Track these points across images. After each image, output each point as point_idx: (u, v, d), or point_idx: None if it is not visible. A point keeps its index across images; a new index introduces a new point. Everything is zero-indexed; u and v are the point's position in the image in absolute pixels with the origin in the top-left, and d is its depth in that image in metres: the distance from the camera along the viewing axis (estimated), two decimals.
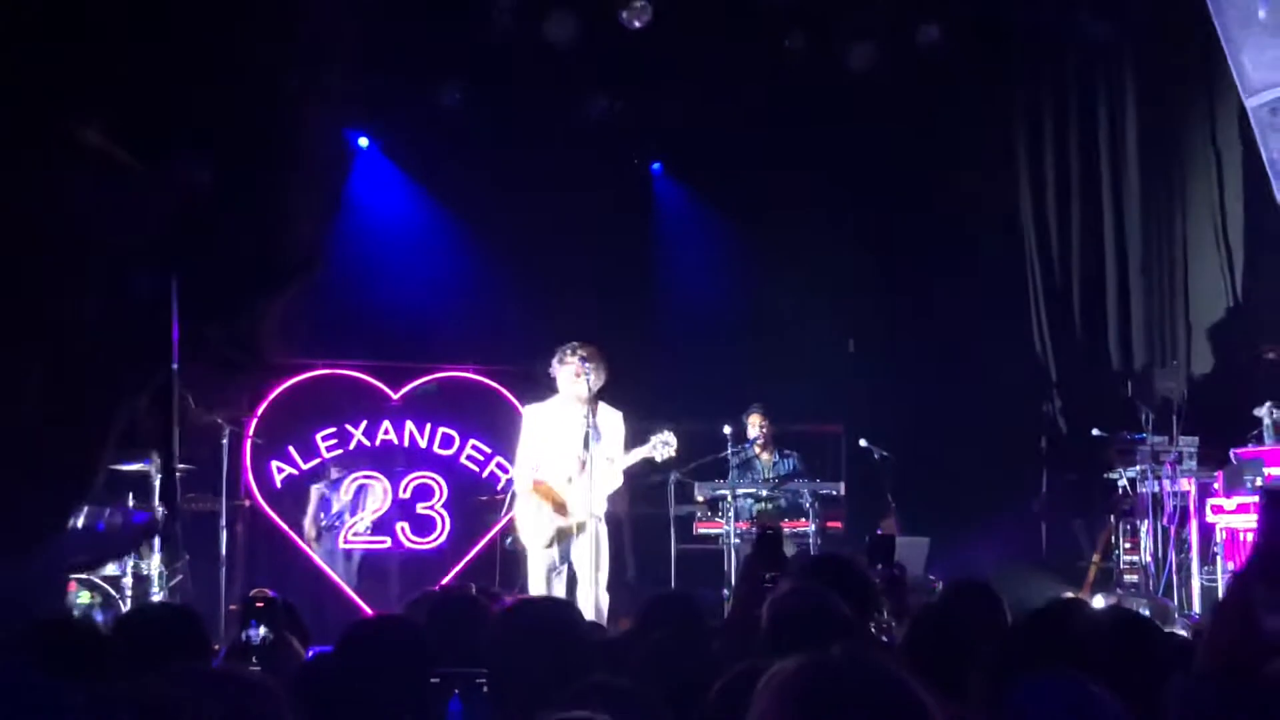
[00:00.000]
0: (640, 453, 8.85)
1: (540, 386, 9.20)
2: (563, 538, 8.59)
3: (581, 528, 8.54)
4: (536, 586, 8.70)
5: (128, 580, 9.33)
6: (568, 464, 8.52)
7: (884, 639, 4.22)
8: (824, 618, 3.28)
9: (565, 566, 8.65)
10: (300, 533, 11.75)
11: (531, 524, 8.76)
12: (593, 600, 8.49)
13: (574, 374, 8.59)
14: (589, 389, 8.60)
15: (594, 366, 8.62)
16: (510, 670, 3.10)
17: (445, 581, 11.13)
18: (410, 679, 3.13)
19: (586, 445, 8.49)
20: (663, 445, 8.89)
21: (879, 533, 10.55)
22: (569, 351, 8.65)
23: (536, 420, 8.89)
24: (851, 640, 2.41)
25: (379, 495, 11.91)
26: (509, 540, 9.18)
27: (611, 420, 8.76)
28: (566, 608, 4.12)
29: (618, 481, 8.83)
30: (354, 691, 3.07)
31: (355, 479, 11.90)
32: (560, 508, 8.57)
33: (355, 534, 11.80)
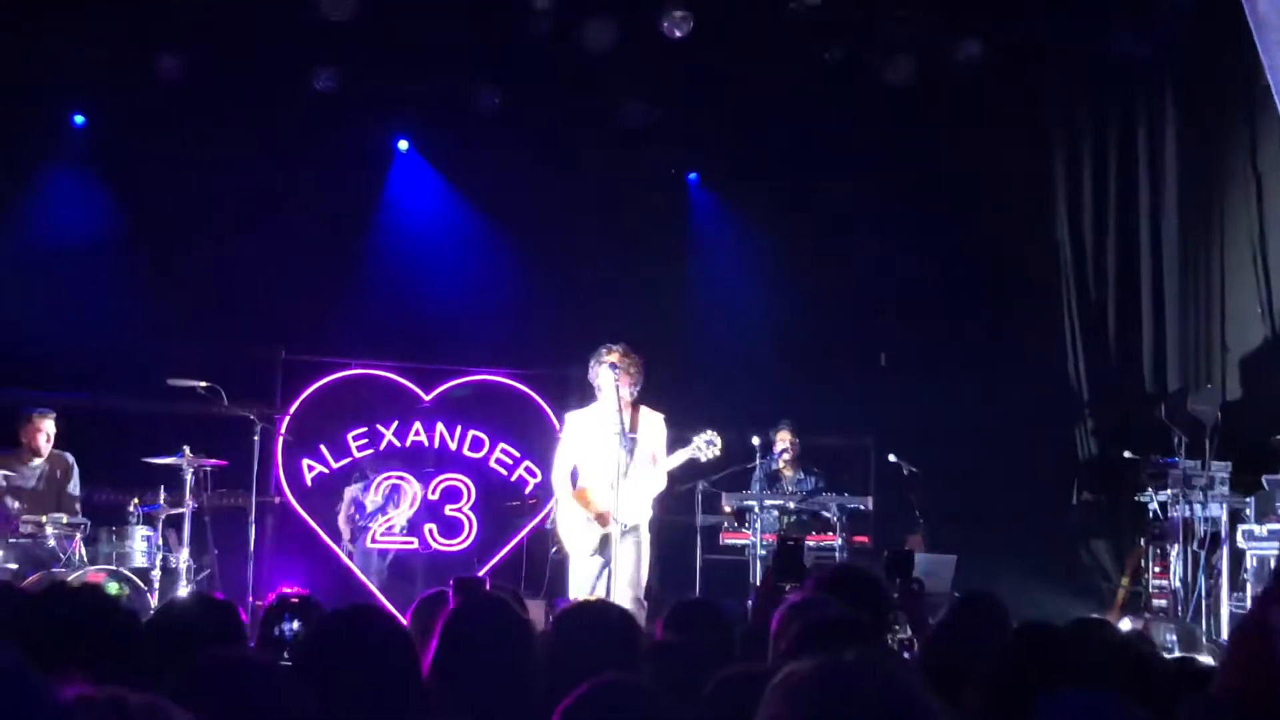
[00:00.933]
0: (684, 454, 8.74)
1: (570, 391, 9.22)
2: (605, 545, 8.48)
3: (625, 534, 8.43)
4: (578, 594, 8.61)
5: (156, 573, 9.41)
6: (610, 469, 8.44)
7: (903, 653, 4.21)
8: (836, 627, 3.28)
9: (605, 573, 8.54)
10: (330, 531, 11.83)
11: (575, 531, 8.70)
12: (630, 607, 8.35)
13: (612, 373, 8.53)
14: (630, 386, 8.54)
15: (631, 363, 8.58)
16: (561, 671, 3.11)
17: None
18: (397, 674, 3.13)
19: (630, 451, 8.42)
20: (707, 445, 8.79)
21: (901, 548, 10.56)
22: (605, 351, 8.62)
23: (578, 427, 8.82)
24: (865, 647, 2.42)
25: (409, 496, 11.98)
26: (555, 550, 9.13)
27: (653, 422, 8.70)
28: (619, 610, 4.11)
29: (662, 484, 8.73)
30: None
31: (387, 479, 11.96)
32: (601, 516, 8.48)
33: (384, 534, 11.86)
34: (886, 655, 3.24)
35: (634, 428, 8.54)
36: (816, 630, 3.26)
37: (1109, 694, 2.40)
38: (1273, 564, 9.50)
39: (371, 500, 11.84)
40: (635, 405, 8.64)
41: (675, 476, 9.35)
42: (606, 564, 8.38)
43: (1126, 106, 12.69)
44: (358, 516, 11.80)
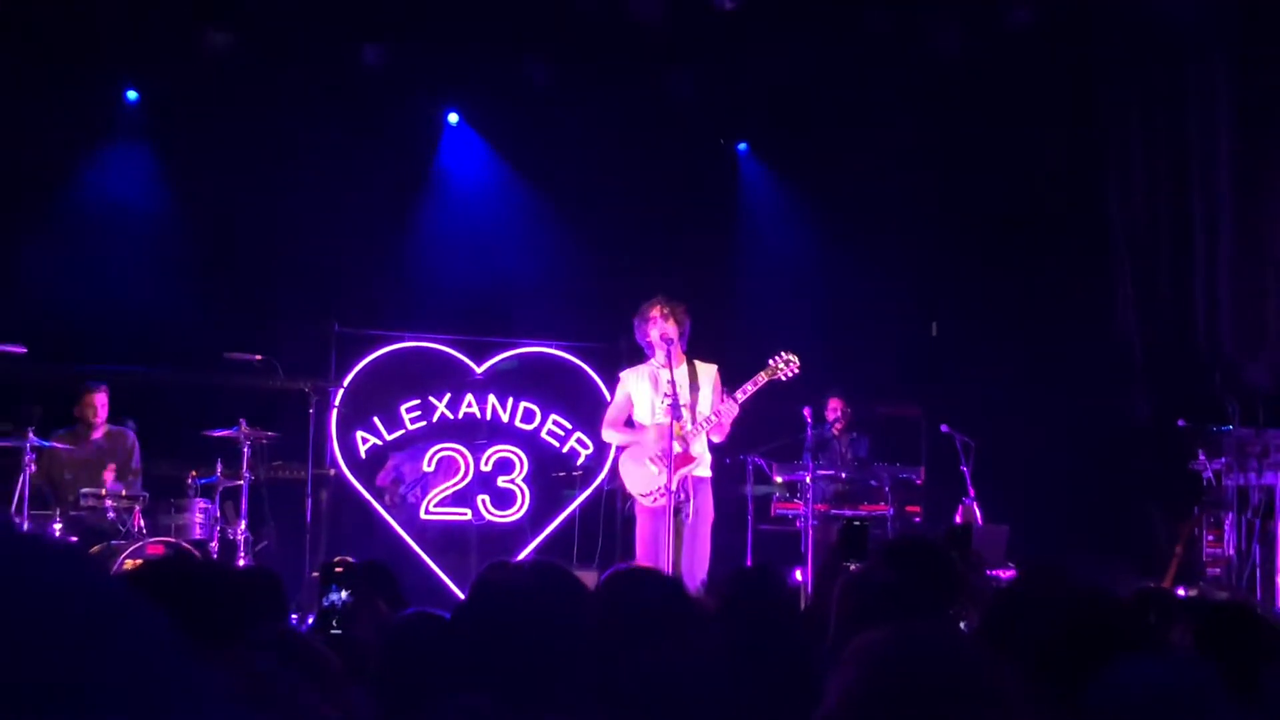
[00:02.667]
0: (761, 378, 8.76)
1: (621, 363, 9.26)
2: (673, 494, 8.43)
3: (697, 483, 8.47)
4: (644, 546, 8.65)
5: (214, 545, 9.52)
6: (668, 423, 8.48)
7: (961, 624, 4.21)
8: (898, 598, 3.30)
9: (671, 537, 8.47)
10: (380, 499, 11.93)
11: (640, 479, 8.71)
12: (694, 575, 8.34)
13: (660, 320, 8.56)
14: (678, 327, 8.58)
15: (678, 309, 8.63)
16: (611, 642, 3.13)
17: (523, 555, 11.25)
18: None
19: (687, 399, 8.46)
20: (784, 364, 8.82)
21: (957, 521, 10.54)
22: (646, 306, 8.67)
23: (631, 383, 8.88)
24: (931, 618, 2.44)
25: (459, 467, 12.06)
26: (627, 504, 9.14)
27: (707, 373, 8.76)
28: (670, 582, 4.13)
29: (733, 414, 8.72)
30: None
31: (436, 450, 12.05)
32: (669, 460, 8.46)
33: (435, 504, 11.96)
34: (951, 626, 3.26)
35: (693, 380, 8.59)
36: (878, 601, 3.28)
37: (1178, 658, 2.42)
38: None
39: (411, 470, 11.92)
40: (689, 360, 8.70)
41: (725, 448, 9.39)
42: (669, 531, 8.39)
43: (1177, 69, 12.57)
44: (400, 482, 11.89)
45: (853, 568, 4.58)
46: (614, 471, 9.47)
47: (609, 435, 9.11)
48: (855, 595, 3.57)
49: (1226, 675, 2.55)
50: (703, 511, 8.59)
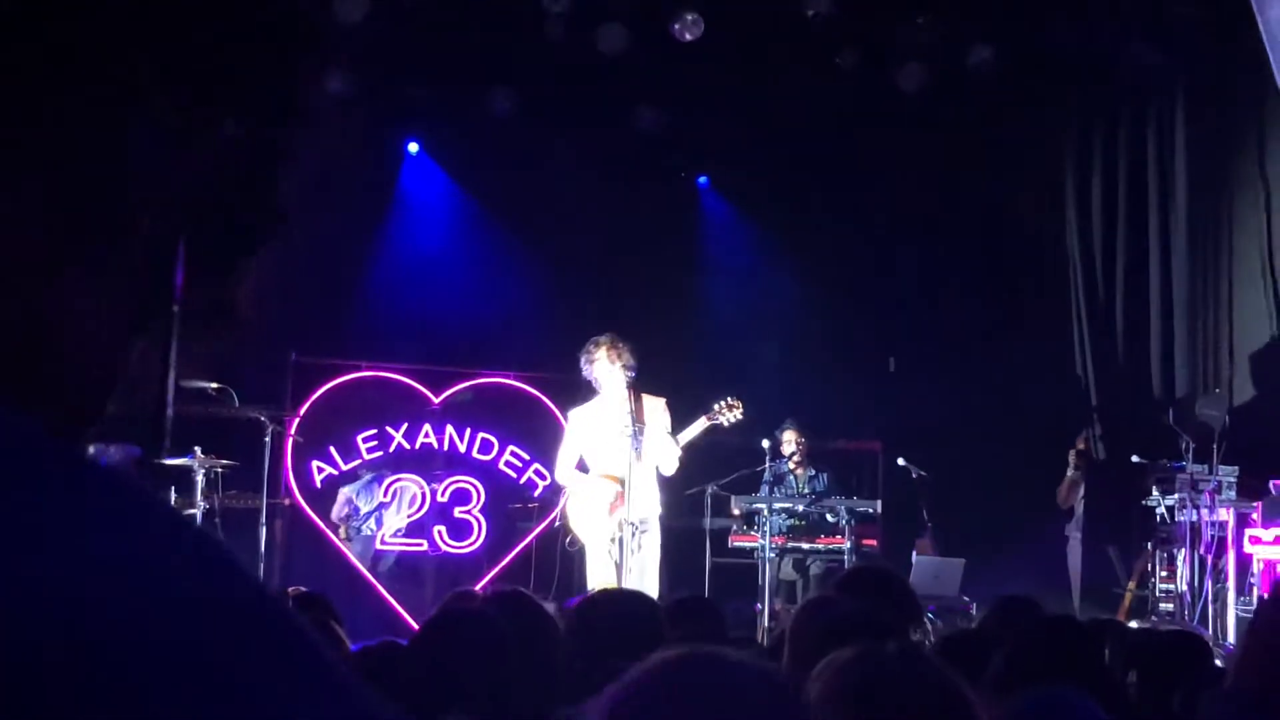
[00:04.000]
0: (701, 423, 8.78)
1: (579, 394, 9.24)
2: (619, 542, 8.45)
3: (635, 534, 8.45)
4: (597, 581, 8.61)
5: None
6: (618, 465, 8.48)
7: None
8: (858, 624, 3.31)
9: (619, 572, 8.47)
10: (335, 531, 11.86)
11: (589, 520, 8.71)
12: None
13: (607, 360, 8.57)
14: (625, 371, 8.57)
15: (624, 346, 8.62)
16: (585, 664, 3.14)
17: (480, 586, 11.20)
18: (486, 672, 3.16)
19: (638, 451, 8.45)
20: (728, 409, 8.82)
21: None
22: (593, 345, 8.68)
23: (581, 422, 8.88)
24: (903, 639, 2.45)
25: (416, 498, 12.00)
26: (569, 540, 9.14)
27: (656, 407, 8.75)
28: (648, 603, 4.14)
29: (677, 454, 8.75)
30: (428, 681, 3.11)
31: (394, 481, 11.99)
32: (619, 498, 8.46)
33: (392, 536, 11.89)
34: (917, 646, 3.26)
35: (639, 416, 8.58)
36: (838, 627, 3.28)
37: (1069, 689, 2.43)
38: None
39: (367, 502, 11.84)
40: (636, 393, 8.69)
41: (682, 480, 9.38)
42: (620, 562, 8.40)
43: (1137, 113, 12.72)
44: (351, 516, 11.81)
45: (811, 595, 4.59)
46: (563, 511, 9.45)
47: (562, 477, 9.09)
48: (812, 622, 3.57)
49: (1168, 702, 2.57)
50: (649, 549, 8.59)
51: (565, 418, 9.35)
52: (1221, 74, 11.98)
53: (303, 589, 5.78)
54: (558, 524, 10.64)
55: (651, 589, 8.44)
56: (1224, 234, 12.18)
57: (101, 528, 0.65)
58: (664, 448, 8.67)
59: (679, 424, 8.82)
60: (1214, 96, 12.15)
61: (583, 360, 8.76)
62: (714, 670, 1.50)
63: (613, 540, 8.51)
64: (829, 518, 10.93)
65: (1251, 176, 11.88)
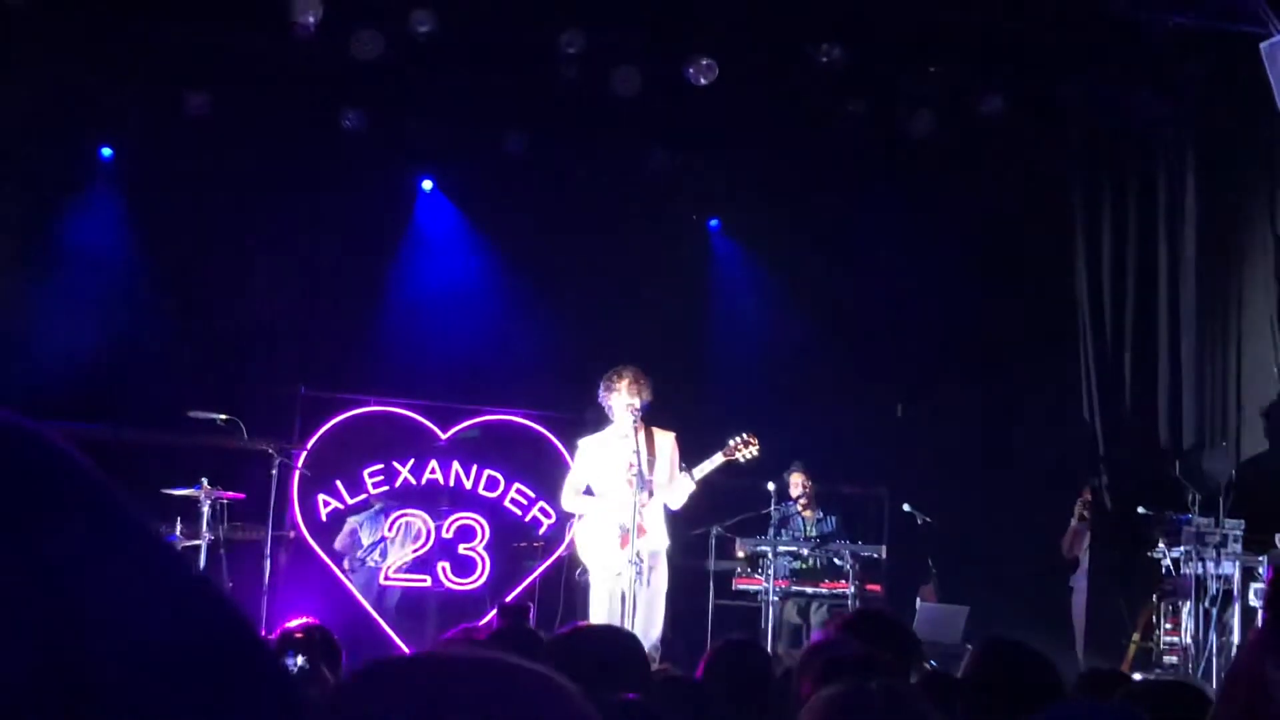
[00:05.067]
0: (717, 459, 8.79)
1: (586, 433, 9.25)
2: (629, 565, 8.41)
3: (640, 572, 8.43)
4: (599, 617, 8.59)
5: None
6: (627, 493, 8.48)
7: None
8: (858, 663, 3.32)
9: (624, 608, 8.47)
10: (335, 560, 11.87)
11: (598, 552, 8.69)
12: (648, 636, 8.28)
13: (627, 392, 8.58)
14: (643, 401, 8.57)
15: (646, 382, 8.64)
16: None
17: (483, 623, 11.18)
18: None
19: (647, 491, 8.45)
20: (743, 446, 8.83)
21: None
22: (616, 375, 8.69)
23: (591, 451, 8.89)
24: (890, 677, 2.46)
25: (421, 533, 12.01)
26: (579, 571, 9.13)
27: (665, 442, 8.76)
28: (629, 637, 4.14)
29: (688, 489, 8.76)
30: None
31: (397, 516, 12.00)
32: (629, 530, 8.45)
33: (396, 571, 11.89)
34: (908, 687, 3.28)
35: (650, 449, 8.59)
36: (838, 666, 3.30)
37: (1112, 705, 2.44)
38: None
39: (370, 534, 11.85)
40: (648, 427, 8.70)
41: (686, 521, 9.38)
42: (626, 596, 8.36)
43: (1146, 165, 12.75)
44: (355, 547, 11.82)
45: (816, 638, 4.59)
46: (572, 540, 9.46)
47: (568, 503, 9.09)
48: (815, 663, 3.59)
49: None
50: (656, 583, 8.57)
51: (573, 454, 9.35)
52: (1233, 128, 12.02)
53: (307, 620, 5.77)
54: (566, 554, 10.64)
55: (657, 624, 8.44)
56: (1233, 286, 12.18)
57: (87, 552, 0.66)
58: (674, 485, 8.68)
59: (689, 463, 8.83)
60: (1224, 148, 12.18)
61: (602, 388, 8.77)
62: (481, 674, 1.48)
63: (619, 575, 8.49)
64: (835, 561, 10.92)
65: (1261, 230, 11.89)
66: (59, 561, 0.62)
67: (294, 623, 5.69)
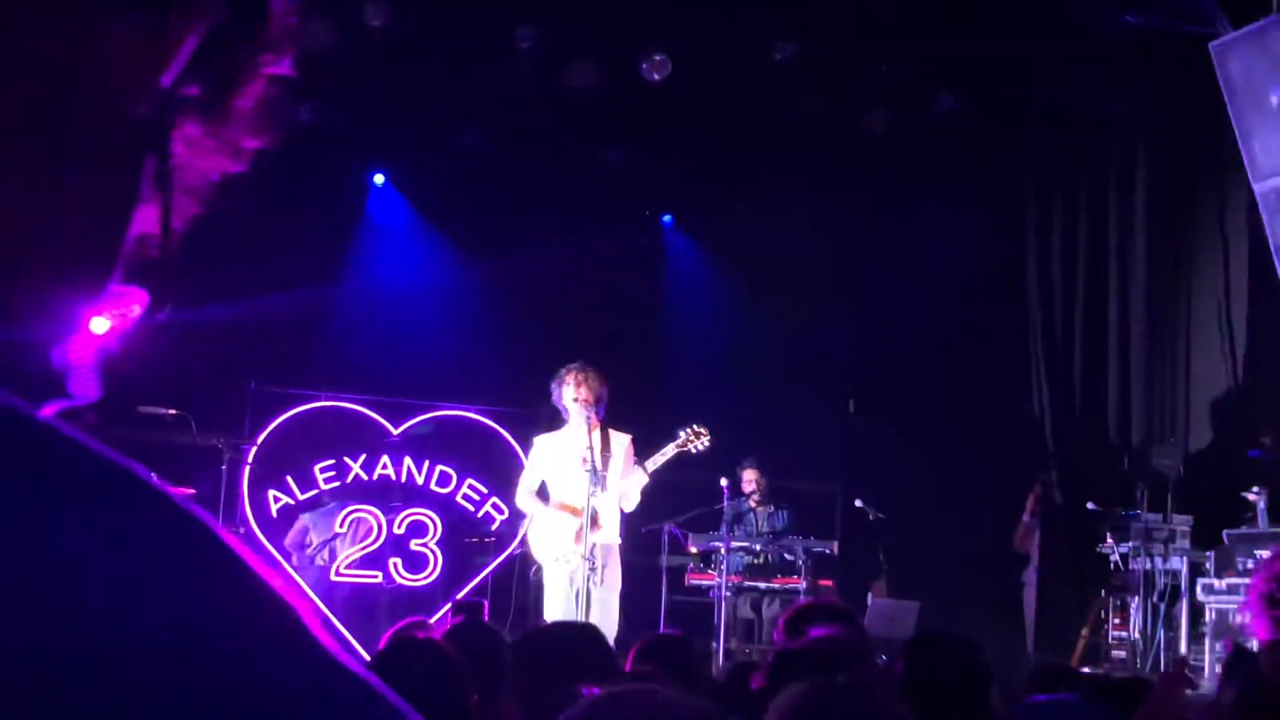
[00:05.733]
0: (669, 450, 8.80)
1: (539, 428, 9.23)
2: (584, 560, 8.41)
3: (603, 556, 8.42)
4: (554, 613, 8.58)
5: None
6: (581, 491, 8.48)
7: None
8: (828, 656, 3.33)
9: (579, 604, 8.45)
10: (289, 559, 11.78)
11: (552, 549, 8.68)
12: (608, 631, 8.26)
13: (575, 385, 8.58)
14: (593, 395, 8.56)
15: (593, 375, 8.63)
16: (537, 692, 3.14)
17: (435, 619, 11.14)
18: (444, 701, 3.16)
19: (599, 486, 8.44)
20: (695, 437, 8.85)
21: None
22: (564, 371, 8.69)
23: (545, 449, 8.86)
24: (856, 670, 2.46)
25: (372, 529, 11.94)
26: (534, 570, 9.11)
27: (621, 442, 8.76)
28: (595, 631, 4.13)
29: (641, 483, 8.77)
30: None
31: (349, 511, 11.92)
32: (582, 527, 8.44)
33: (347, 566, 11.82)
34: (874, 679, 3.28)
35: (605, 448, 8.59)
36: (797, 660, 3.30)
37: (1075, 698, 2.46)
38: (1232, 618, 9.59)
39: (319, 531, 11.76)
40: (604, 427, 8.70)
41: (640, 517, 9.38)
42: (580, 593, 8.36)
43: (1099, 164, 12.87)
44: (304, 545, 11.73)
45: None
46: (525, 538, 9.44)
47: (523, 503, 9.06)
48: (783, 664, 3.59)
49: None
50: (611, 579, 8.57)
51: (526, 450, 9.34)
52: (1183, 127, 12.13)
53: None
54: (519, 551, 10.61)
55: (612, 622, 8.42)
56: (1182, 284, 12.31)
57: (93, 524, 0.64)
58: (628, 483, 8.68)
59: (642, 458, 8.83)
60: (1175, 149, 12.30)
61: (553, 385, 8.77)
62: (649, 706, 1.51)
63: (571, 565, 8.48)
64: (787, 557, 10.95)
65: (1210, 228, 12.02)
66: (70, 550, 0.60)
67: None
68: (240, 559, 0.67)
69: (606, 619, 8.38)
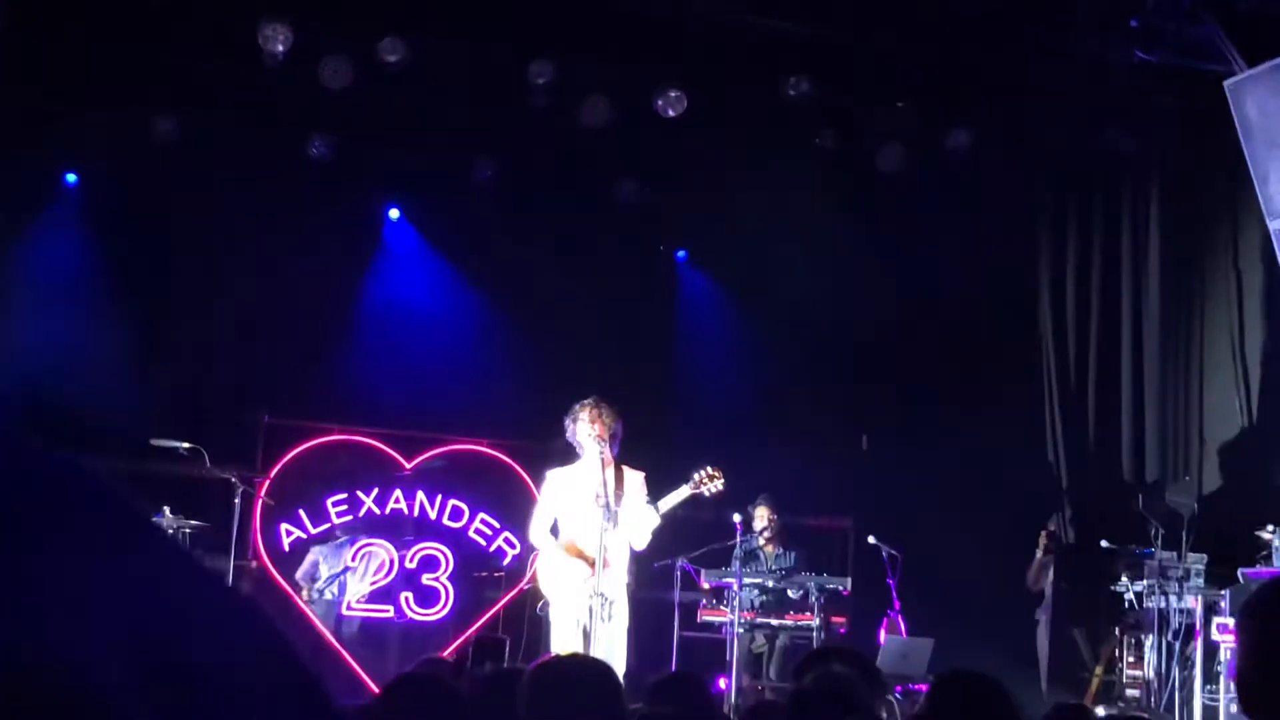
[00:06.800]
0: (683, 492, 8.77)
1: (552, 464, 9.21)
2: (588, 613, 8.39)
3: (604, 605, 8.38)
4: (561, 650, 8.52)
5: None
6: (592, 533, 8.45)
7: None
8: (831, 693, 3.31)
9: (587, 644, 8.40)
10: (298, 593, 11.76)
11: (561, 587, 8.65)
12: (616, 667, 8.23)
13: (590, 421, 8.56)
14: (608, 431, 8.55)
15: (607, 411, 8.62)
16: None
17: (447, 653, 11.11)
18: None
19: (612, 523, 8.42)
20: (709, 479, 8.82)
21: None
22: (578, 406, 8.68)
23: (558, 485, 8.84)
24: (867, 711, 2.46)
25: (384, 563, 11.92)
26: (540, 605, 9.09)
27: (634, 481, 8.74)
28: (603, 666, 4.13)
29: (653, 524, 8.74)
30: None
31: (361, 545, 11.91)
32: (592, 565, 8.42)
33: (358, 601, 11.80)
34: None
35: (619, 485, 8.57)
36: (805, 700, 3.29)
37: None
38: None
39: (331, 566, 11.73)
40: (617, 464, 8.68)
41: (652, 553, 9.35)
42: (589, 632, 8.34)
43: (1112, 200, 12.86)
44: (314, 579, 11.70)
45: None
46: (534, 573, 9.42)
47: (536, 539, 9.03)
48: (799, 704, 3.59)
49: None
50: (618, 618, 8.53)
51: (538, 485, 9.32)
52: (1197, 164, 12.14)
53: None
54: (529, 586, 10.59)
55: (619, 661, 8.39)
56: (1195, 322, 12.28)
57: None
58: (639, 520, 8.64)
59: (655, 496, 8.81)
60: (1188, 185, 12.30)
61: (567, 421, 8.76)
62: None
63: (582, 609, 8.46)
64: (790, 594, 10.91)
65: (1224, 266, 12.00)
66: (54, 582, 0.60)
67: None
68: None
69: (614, 656, 8.36)
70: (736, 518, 10.65)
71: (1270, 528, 9.91)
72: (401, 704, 3.31)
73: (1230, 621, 9.84)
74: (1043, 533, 12.10)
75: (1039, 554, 12.02)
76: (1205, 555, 10.52)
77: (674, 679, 4.88)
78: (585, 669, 3.77)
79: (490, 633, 11.33)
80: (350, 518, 12.12)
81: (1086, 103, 12.03)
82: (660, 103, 11.60)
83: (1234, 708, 9.02)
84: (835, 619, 10.86)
